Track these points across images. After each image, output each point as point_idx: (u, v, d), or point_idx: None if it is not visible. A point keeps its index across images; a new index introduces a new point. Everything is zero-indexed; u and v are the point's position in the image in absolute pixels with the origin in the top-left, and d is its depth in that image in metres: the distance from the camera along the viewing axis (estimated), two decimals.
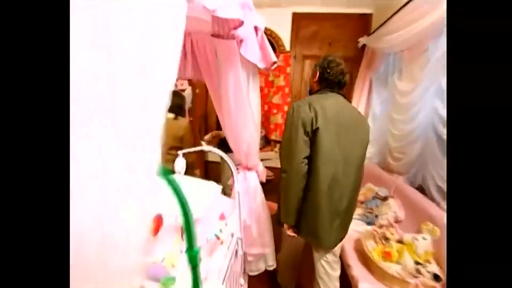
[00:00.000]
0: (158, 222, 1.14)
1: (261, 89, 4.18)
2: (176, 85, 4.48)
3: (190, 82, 4.27)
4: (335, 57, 1.33)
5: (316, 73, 1.35)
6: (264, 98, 4.19)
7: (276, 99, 4.10)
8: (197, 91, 4.29)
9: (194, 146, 2.46)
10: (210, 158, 4.16)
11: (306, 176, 1.23)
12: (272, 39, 3.96)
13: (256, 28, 1.16)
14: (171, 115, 2.51)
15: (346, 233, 1.47)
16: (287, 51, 3.93)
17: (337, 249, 1.48)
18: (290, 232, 1.39)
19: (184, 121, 2.56)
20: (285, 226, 1.38)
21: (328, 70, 1.29)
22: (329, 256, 1.45)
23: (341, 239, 1.44)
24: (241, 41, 1.07)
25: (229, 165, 1.29)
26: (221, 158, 3.06)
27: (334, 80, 1.30)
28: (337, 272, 1.52)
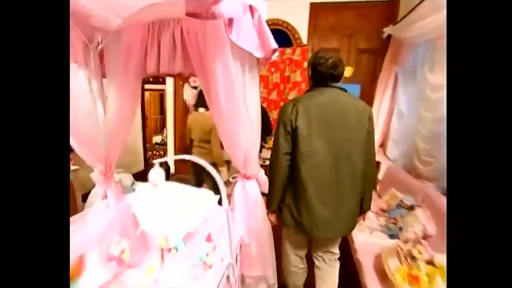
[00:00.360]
0: (80, 263, 1.03)
1: (277, 85, 3.97)
2: (189, 82, 4.39)
3: None
4: (325, 52, 1.36)
5: (310, 70, 1.40)
6: (280, 95, 3.96)
7: (292, 96, 3.84)
8: None
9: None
10: None
11: (287, 169, 1.35)
12: (288, 31, 3.72)
13: (251, 8, 0.95)
14: (203, 110, 2.49)
15: (346, 228, 1.47)
16: (304, 45, 3.66)
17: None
18: (272, 218, 1.53)
19: None
20: (269, 213, 1.51)
21: (318, 67, 1.32)
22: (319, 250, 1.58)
23: (338, 233, 1.48)
24: (229, 23, 0.86)
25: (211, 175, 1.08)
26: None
27: (325, 75, 1.32)
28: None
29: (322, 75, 1.32)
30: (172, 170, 4.80)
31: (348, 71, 3.41)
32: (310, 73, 1.40)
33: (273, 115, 4.02)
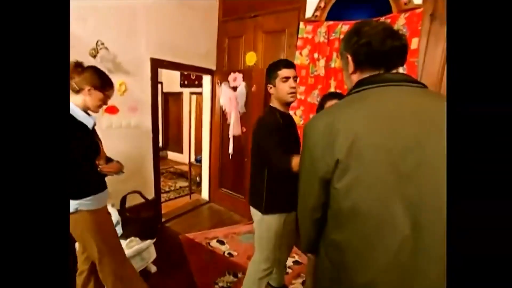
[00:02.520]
0: None
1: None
2: (227, 81, 3.22)
3: (245, 77, 2.88)
4: (368, 20, 0.81)
5: (347, 57, 0.81)
6: None
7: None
8: (253, 88, 2.87)
9: None
10: None
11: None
12: None
13: None
14: None
15: None
16: (415, 6, 2.02)
17: None
18: None
19: None
20: None
21: (363, 40, 0.75)
22: None
23: None
24: None
25: None
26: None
27: (377, 54, 0.75)
28: None
29: (375, 54, 0.76)
30: (206, 197, 3.69)
31: None
32: (351, 61, 0.80)
33: None
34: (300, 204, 0.89)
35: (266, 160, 1.40)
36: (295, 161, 1.26)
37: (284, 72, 1.41)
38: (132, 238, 1.89)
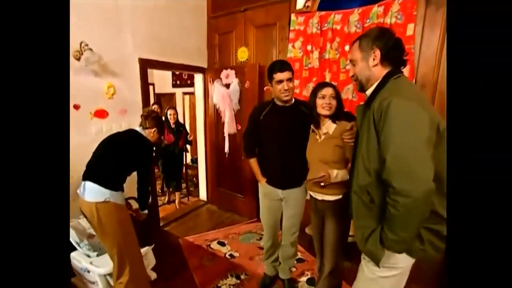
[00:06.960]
0: None
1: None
2: (220, 78, 3.14)
3: (237, 74, 2.80)
4: (384, 27, 1.18)
5: (375, 51, 1.00)
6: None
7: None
8: (246, 85, 2.79)
9: None
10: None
11: None
12: None
13: None
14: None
15: None
16: None
17: None
18: None
19: None
20: None
21: (391, 42, 0.99)
22: None
23: None
24: None
25: None
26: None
27: (399, 54, 1.01)
28: None
29: (397, 54, 1.02)
30: (204, 197, 3.62)
31: None
32: (378, 55, 1.00)
33: None
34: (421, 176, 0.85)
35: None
36: (251, 162, 1.78)
37: (277, 76, 1.55)
38: None
